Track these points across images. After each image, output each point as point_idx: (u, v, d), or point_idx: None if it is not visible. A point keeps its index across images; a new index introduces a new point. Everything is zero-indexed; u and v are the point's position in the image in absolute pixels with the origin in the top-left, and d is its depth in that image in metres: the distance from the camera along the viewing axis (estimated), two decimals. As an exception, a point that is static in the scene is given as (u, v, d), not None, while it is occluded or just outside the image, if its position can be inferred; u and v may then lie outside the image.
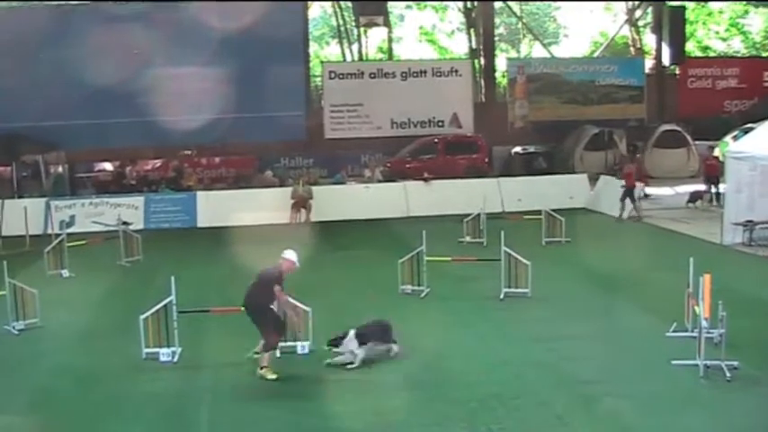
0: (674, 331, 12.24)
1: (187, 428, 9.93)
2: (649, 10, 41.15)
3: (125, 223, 20.72)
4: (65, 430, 9.96)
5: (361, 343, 11.79)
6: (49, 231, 23.27)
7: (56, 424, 10.12)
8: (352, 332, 11.85)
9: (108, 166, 33.88)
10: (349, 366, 11.70)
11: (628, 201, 24.00)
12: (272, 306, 11.65)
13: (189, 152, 33.99)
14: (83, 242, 20.00)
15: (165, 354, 12.14)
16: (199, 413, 10.35)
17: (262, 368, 11.44)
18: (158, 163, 33.87)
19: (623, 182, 24.46)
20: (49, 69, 31.78)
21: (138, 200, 26.14)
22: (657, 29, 39.32)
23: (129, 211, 24.92)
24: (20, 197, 27.44)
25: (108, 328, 14.15)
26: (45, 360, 12.63)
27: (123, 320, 13.73)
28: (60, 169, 31.71)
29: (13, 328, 13.91)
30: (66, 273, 18.40)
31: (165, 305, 12.12)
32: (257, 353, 11.67)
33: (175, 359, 12.07)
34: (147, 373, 11.73)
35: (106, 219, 24.46)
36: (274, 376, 11.39)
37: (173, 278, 11.94)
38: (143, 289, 16.38)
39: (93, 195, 27.40)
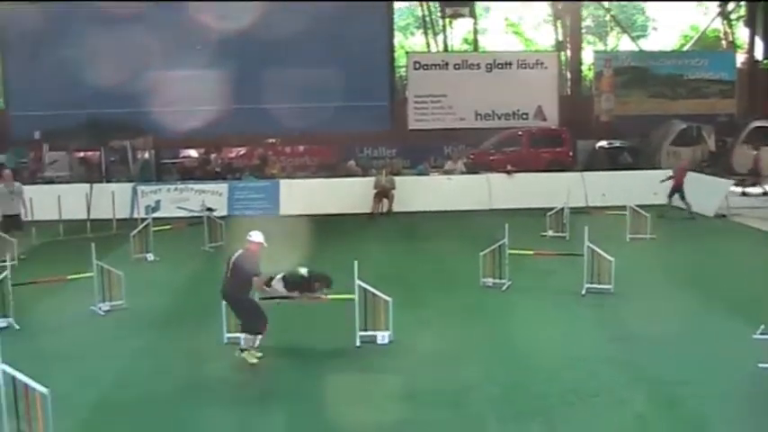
0: (761, 334, 11.90)
1: (266, 415, 9.98)
2: (742, 3, 40.10)
3: (209, 209, 21.00)
4: (145, 411, 10.10)
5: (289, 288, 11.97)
6: (135, 215, 23.73)
7: (137, 405, 10.29)
8: (280, 275, 11.97)
9: (193, 152, 34.45)
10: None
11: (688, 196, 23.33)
12: (249, 295, 11.71)
13: (273, 141, 34.30)
14: (168, 227, 20.31)
15: (244, 339, 12.24)
16: (280, 400, 10.42)
17: (242, 350, 11.55)
18: (243, 151, 34.31)
19: (672, 177, 23.89)
20: (139, 56, 32.41)
21: (222, 187, 26.47)
22: (751, 22, 38.33)
23: (214, 197, 25.29)
24: (108, 181, 28.09)
25: (191, 312, 14.37)
26: (129, 341, 12.87)
27: (206, 305, 13.86)
28: (147, 155, 32.35)
29: (100, 308, 14.23)
30: (151, 256, 18.75)
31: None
32: (243, 349, 11.63)
33: (256, 344, 12.16)
34: (228, 359, 11.85)
35: (190, 204, 24.92)
36: (255, 360, 11.48)
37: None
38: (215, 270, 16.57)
39: (179, 181, 27.82)
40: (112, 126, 30.78)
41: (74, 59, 32.36)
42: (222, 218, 21.18)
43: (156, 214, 22.60)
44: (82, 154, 32.42)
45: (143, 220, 20.12)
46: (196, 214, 22.37)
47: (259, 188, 26.80)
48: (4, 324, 13.31)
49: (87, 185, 25.34)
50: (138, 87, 31.92)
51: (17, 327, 13.32)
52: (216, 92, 32.52)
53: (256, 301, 11.79)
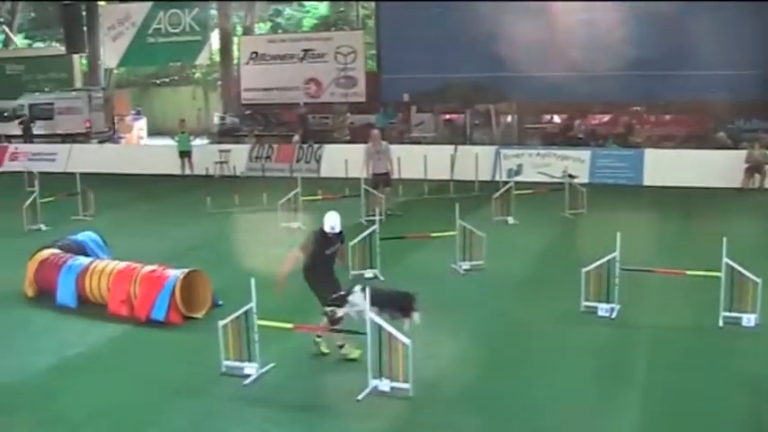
0: None
1: (620, 387, 9.58)
2: None
3: (570, 176, 20.68)
4: (497, 371, 10.11)
5: (373, 304, 9.47)
6: (497, 178, 23.96)
7: (489, 365, 10.33)
8: (358, 287, 10.15)
9: (556, 118, 34.19)
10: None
11: None
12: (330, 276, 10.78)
13: (639, 108, 33.14)
14: (529, 191, 20.25)
15: (603, 309, 11.90)
16: (633, 373, 9.97)
17: (341, 346, 10.43)
18: (606, 118, 33.48)
19: None
20: (505, 21, 32.53)
21: (585, 154, 26.00)
22: None
23: (575, 164, 24.88)
24: (471, 144, 28.64)
25: (547, 277, 14.26)
26: (486, 301, 13.01)
27: (563, 271, 13.71)
28: (510, 119, 32.57)
29: (460, 267, 14.51)
30: (511, 219, 18.83)
31: (609, 260, 11.83)
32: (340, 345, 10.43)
33: (613, 315, 11.78)
34: (582, 326, 11.58)
35: (552, 170, 24.72)
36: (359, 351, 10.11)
37: (618, 234, 11.58)
38: (584, 242, 16.24)
39: (540, 146, 27.72)
40: (477, 89, 31.32)
41: (441, 23, 33.14)
42: (583, 185, 20.75)
43: (517, 178, 22.66)
44: (447, 116, 33.37)
45: (505, 183, 20.24)
46: (557, 180, 22.14)
47: (623, 156, 26.02)
48: (370, 275, 14.01)
49: (452, 147, 26.03)
50: (504, 51, 32.04)
51: (382, 278, 13.94)
52: (578, 57, 31.87)
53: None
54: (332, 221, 10.56)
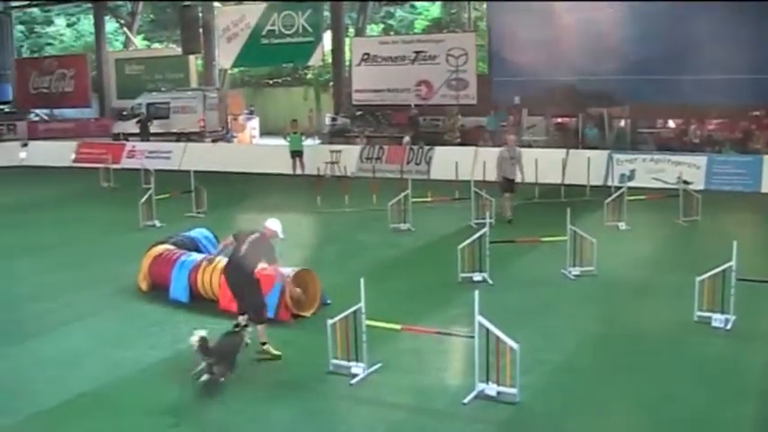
0: None
1: (733, 399, 9.26)
2: None
3: (685, 182, 20.16)
4: (606, 379, 9.92)
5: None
6: (609, 183, 23.53)
7: (599, 373, 10.16)
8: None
9: (671, 123, 33.38)
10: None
11: None
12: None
13: (758, 113, 32.08)
14: (642, 197, 19.82)
15: (717, 319, 11.54)
16: (747, 385, 9.65)
17: (264, 344, 10.69)
18: (723, 123, 32.50)
19: None
20: (617, 24, 31.94)
21: (701, 159, 25.26)
22: None
23: (690, 170, 24.21)
24: (583, 148, 28.21)
25: (660, 285, 13.91)
26: (596, 308, 12.79)
27: (676, 279, 13.40)
28: (623, 123, 31.97)
29: (570, 272, 14.30)
30: (623, 225, 18.45)
31: (724, 270, 11.47)
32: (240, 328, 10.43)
33: (728, 326, 11.41)
34: (695, 336, 11.25)
35: (666, 176, 24.18)
36: (279, 352, 10.68)
37: (734, 242, 11.22)
38: (698, 250, 15.89)
39: (654, 151, 27.10)
40: (590, 93, 30.83)
41: (553, 25, 32.72)
42: (699, 192, 20.19)
43: (630, 183, 22.22)
44: (559, 119, 32.98)
45: (617, 188, 19.86)
46: (671, 186, 21.61)
47: (740, 163, 25.20)
48: (479, 278, 13.92)
49: (563, 151, 25.69)
50: (616, 54, 31.45)
51: (491, 282, 13.84)
52: (693, 60, 31.02)
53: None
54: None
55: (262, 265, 10.91)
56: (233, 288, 11.07)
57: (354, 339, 9.88)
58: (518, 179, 19.68)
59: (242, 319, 10.58)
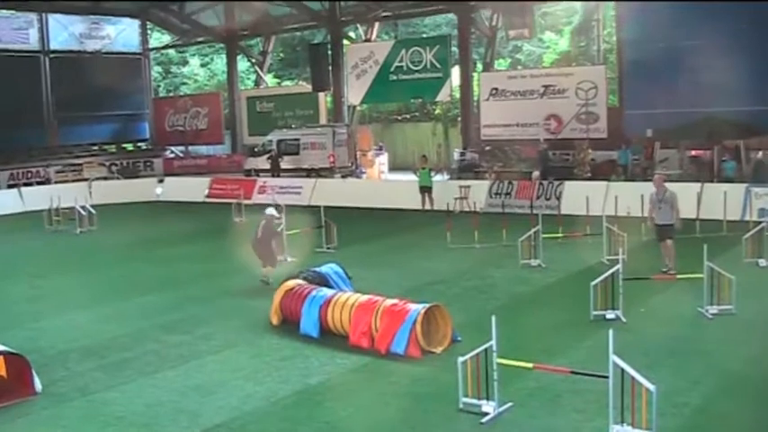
0: None
1: None
2: None
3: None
4: (748, 426, 9.56)
5: None
6: (747, 218, 22.75)
7: (739, 418, 9.79)
8: None
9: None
10: None
11: None
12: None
13: None
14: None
15: None
16: None
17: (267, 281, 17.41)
18: None
19: None
20: (753, 51, 30.95)
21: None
22: None
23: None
24: (719, 181, 27.38)
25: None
26: (736, 348, 12.31)
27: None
28: (761, 155, 30.87)
29: (707, 311, 13.84)
30: (763, 262, 17.75)
31: None
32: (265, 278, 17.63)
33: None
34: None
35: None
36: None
37: None
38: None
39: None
40: (726, 124, 29.89)
41: (686, 56, 31.96)
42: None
43: (770, 218, 21.43)
44: (693, 152, 32.10)
45: (756, 223, 19.20)
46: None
47: None
48: (612, 316, 13.63)
49: (698, 185, 25.00)
50: (751, 84, 30.44)
51: (624, 320, 13.54)
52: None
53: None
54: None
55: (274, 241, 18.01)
56: (259, 255, 17.98)
57: (485, 377, 9.80)
58: (675, 224, 17.33)
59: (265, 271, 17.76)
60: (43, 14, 48.78)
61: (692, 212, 22.93)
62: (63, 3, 48.14)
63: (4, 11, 47.42)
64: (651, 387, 8.56)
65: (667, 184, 17.58)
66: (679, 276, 14.83)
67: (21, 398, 11.01)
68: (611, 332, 8.87)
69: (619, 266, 13.73)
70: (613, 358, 8.86)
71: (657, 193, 17.43)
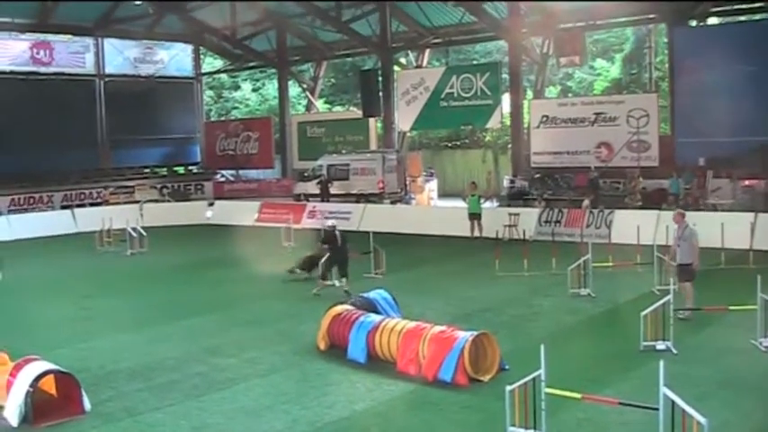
0: None
1: None
2: None
3: None
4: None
5: None
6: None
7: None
8: None
9: None
10: None
11: None
12: None
13: None
14: None
15: None
16: None
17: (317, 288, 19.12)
18: None
19: None
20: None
21: None
22: None
23: None
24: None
25: None
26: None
27: None
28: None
29: (761, 343, 13.60)
30: (818, 294, 17.45)
31: None
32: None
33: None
34: None
35: None
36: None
37: None
38: None
39: None
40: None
41: (742, 82, 31.62)
42: None
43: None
44: (746, 182, 31.65)
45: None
46: None
47: None
48: (662, 347, 13.46)
49: (751, 214, 24.64)
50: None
51: (675, 351, 13.35)
52: None
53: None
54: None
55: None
56: (340, 262, 19.40)
57: (533, 406, 9.72)
58: (694, 264, 16.08)
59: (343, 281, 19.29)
60: (99, 39, 49.86)
61: (745, 243, 22.64)
62: (119, 28, 49.02)
63: (63, 35, 48.45)
64: (702, 420, 8.40)
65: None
66: (731, 308, 14.58)
67: (70, 416, 11.18)
68: (661, 363, 8.76)
69: (669, 297, 13.56)
70: (663, 390, 8.74)
71: (678, 229, 16.39)
